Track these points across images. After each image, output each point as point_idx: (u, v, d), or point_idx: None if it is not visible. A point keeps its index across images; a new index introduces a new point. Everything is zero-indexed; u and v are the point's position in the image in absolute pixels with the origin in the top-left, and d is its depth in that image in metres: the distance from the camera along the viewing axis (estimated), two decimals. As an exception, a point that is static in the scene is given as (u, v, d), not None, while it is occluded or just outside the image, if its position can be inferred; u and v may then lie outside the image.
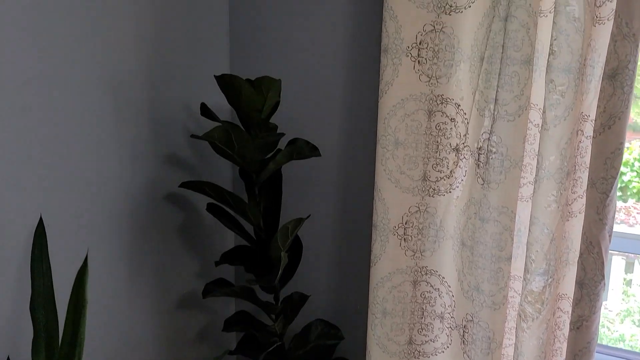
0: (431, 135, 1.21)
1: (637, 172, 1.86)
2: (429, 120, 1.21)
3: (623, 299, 2.04)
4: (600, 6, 1.05)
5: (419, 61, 1.18)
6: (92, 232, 1.18)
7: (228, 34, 1.45)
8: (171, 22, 1.31)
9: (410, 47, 1.18)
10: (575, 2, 0.98)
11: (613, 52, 0.96)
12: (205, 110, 1.26)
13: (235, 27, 1.44)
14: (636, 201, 1.97)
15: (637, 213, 2.02)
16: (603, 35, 1.06)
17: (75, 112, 1.12)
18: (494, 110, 1.10)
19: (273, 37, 1.40)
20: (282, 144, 1.27)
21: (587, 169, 1.10)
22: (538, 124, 1.14)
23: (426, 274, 1.26)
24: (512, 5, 1.03)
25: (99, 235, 1.19)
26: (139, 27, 1.23)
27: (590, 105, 1.09)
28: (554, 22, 1.01)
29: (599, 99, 1.01)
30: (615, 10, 0.96)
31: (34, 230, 0.97)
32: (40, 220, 0.97)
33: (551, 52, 1.02)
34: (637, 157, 1.85)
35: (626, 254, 1.94)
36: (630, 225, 1.99)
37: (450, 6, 1.15)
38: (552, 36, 1.01)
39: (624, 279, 2.03)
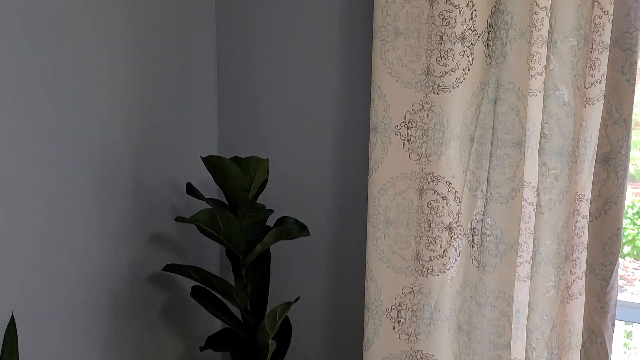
0: (422, 213, 1.18)
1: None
2: (420, 199, 1.18)
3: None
4: (589, 87, 1.04)
5: (408, 139, 1.17)
6: (68, 325, 1.11)
7: (216, 113, 1.44)
8: (159, 100, 1.29)
9: (399, 126, 1.16)
10: (564, 87, 0.97)
11: (605, 137, 0.95)
12: (191, 190, 1.23)
13: (224, 105, 1.43)
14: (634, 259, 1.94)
15: (635, 269, 1.98)
16: (594, 115, 1.05)
17: (56, 194, 1.08)
18: (487, 191, 1.07)
19: (262, 115, 1.38)
20: (272, 220, 1.23)
21: (585, 249, 1.07)
22: (532, 202, 1.11)
23: (422, 358, 1.20)
24: (501, 89, 1.02)
25: (76, 327, 1.13)
26: (127, 106, 1.21)
27: (585, 184, 1.07)
28: (544, 105, 1.00)
29: (593, 182, 0.98)
30: (605, 95, 0.95)
31: (5, 328, 0.92)
32: (12, 319, 0.92)
33: (543, 136, 1.00)
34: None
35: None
36: (629, 281, 1.94)
37: (439, 85, 1.14)
38: (542, 119, 1.00)
39: (625, 344, 1.97)
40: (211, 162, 1.16)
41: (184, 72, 1.36)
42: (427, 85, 1.15)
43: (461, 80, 1.13)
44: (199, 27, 1.39)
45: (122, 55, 1.20)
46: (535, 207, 1.07)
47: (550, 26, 0.98)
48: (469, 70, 1.12)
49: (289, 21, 1.33)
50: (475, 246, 1.10)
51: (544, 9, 1.07)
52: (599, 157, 0.96)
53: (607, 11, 1.02)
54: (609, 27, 1.02)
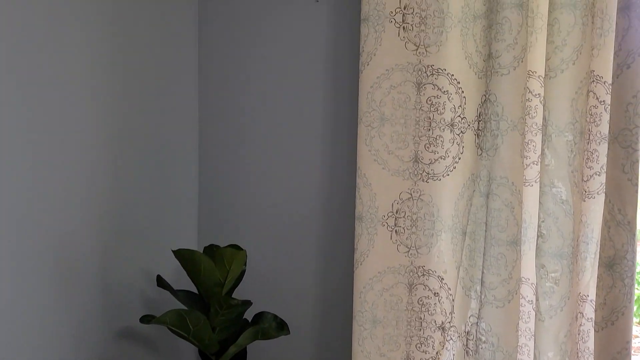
0: (413, 311, 1.09)
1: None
2: (410, 295, 1.09)
3: None
4: (588, 180, 0.97)
5: (396, 230, 1.09)
6: None
7: (197, 199, 1.36)
8: (134, 183, 1.22)
9: (386, 216, 1.08)
10: (561, 184, 0.90)
11: (608, 239, 0.87)
12: (161, 282, 1.14)
13: (205, 192, 1.35)
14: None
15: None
16: (594, 210, 0.98)
17: (12, 287, 0.98)
18: (481, 293, 0.98)
19: (243, 202, 1.31)
20: (251, 311, 1.13)
21: (592, 355, 0.97)
22: (532, 300, 1.02)
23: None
24: (493, 183, 0.95)
25: None
26: (97, 190, 1.13)
27: (589, 284, 0.98)
28: (540, 202, 0.92)
29: (597, 287, 0.90)
30: (606, 194, 0.88)
31: None
32: None
33: (540, 235, 0.92)
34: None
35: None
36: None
37: (428, 173, 1.07)
38: (539, 217, 0.92)
39: None
40: (182, 256, 1.07)
41: (163, 155, 1.29)
42: (415, 172, 1.08)
43: (451, 168, 1.06)
44: (181, 110, 1.33)
45: (93, 139, 1.13)
46: (534, 306, 0.98)
47: (544, 119, 0.92)
48: (460, 159, 1.05)
49: (270, 112, 1.28)
50: (470, 352, 1.00)
51: (537, 95, 1.02)
52: (602, 260, 0.88)
53: (604, 101, 0.97)
54: (606, 117, 0.96)
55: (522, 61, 0.92)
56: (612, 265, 0.87)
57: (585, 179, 0.96)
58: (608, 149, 0.87)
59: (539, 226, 0.92)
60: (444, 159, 1.07)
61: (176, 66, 1.32)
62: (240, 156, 1.30)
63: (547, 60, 0.91)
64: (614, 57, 0.86)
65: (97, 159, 1.13)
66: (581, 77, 0.89)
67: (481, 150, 0.99)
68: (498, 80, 0.94)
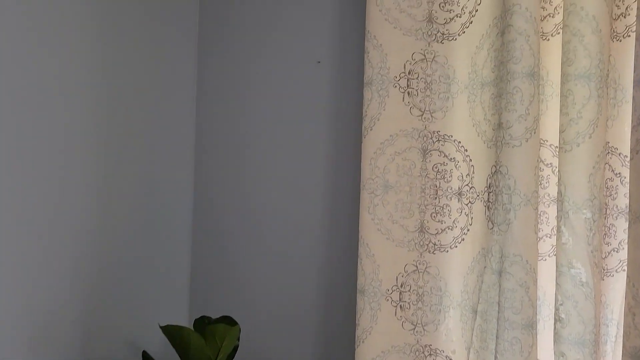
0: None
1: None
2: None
3: None
4: (606, 257, 0.91)
5: (401, 306, 1.02)
6: None
7: (189, 266, 1.29)
8: (120, 241, 1.15)
9: (390, 290, 1.03)
10: (580, 264, 0.84)
11: (633, 328, 0.80)
12: (147, 359, 1.06)
13: (198, 260, 1.29)
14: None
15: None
16: (614, 288, 0.92)
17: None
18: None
19: (238, 271, 1.24)
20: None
21: None
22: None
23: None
24: (506, 261, 0.89)
25: None
26: (76, 247, 1.07)
27: (609, 370, 0.91)
28: (557, 283, 0.86)
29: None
30: (628, 277, 0.81)
31: None
32: None
33: (558, 319, 0.85)
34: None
35: None
36: None
37: (434, 244, 1.01)
38: (556, 300, 0.86)
39: None
40: (170, 332, 1.00)
41: (154, 214, 1.23)
42: (421, 243, 1.02)
43: (460, 240, 1.00)
44: (175, 166, 1.28)
45: (76, 197, 1.07)
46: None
47: (560, 194, 0.87)
48: (468, 230, 1.00)
49: (269, 176, 1.23)
50: None
51: (549, 165, 0.97)
52: (627, 350, 0.81)
53: (619, 173, 0.92)
54: (622, 190, 0.92)
55: (534, 132, 0.88)
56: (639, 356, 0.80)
57: (603, 256, 0.90)
58: (629, 227, 0.81)
59: (556, 309, 0.86)
60: (451, 230, 1.01)
61: (171, 120, 1.28)
62: (237, 222, 1.24)
63: (561, 132, 0.87)
64: (631, 131, 0.82)
65: (80, 217, 1.07)
66: (598, 151, 0.84)
67: (492, 224, 0.93)
68: (509, 152, 0.89)
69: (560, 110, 0.87)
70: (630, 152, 0.82)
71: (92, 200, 1.10)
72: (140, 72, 1.20)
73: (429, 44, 1.04)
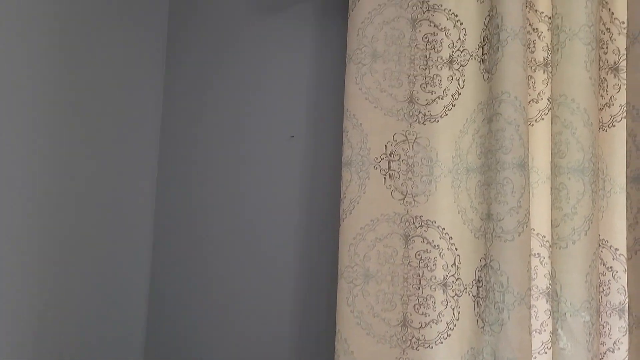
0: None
1: None
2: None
3: None
4: (602, 359, 0.86)
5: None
6: None
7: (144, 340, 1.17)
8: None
9: None
10: None
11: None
12: None
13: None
14: None
15: None
16: None
17: None
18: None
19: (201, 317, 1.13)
20: None
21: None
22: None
23: None
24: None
25: None
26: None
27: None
28: None
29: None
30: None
31: None
32: None
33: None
34: None
35: None
36: None
37: (418, 336, 0.93)
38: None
39: None
40: None
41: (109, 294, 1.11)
42: (403, 338, 0.94)
43: (445, 336, 0.93)
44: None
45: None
46: None
47: (556, 293, 0.82)
48: (455, 326, 0.93)
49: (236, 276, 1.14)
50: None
51: (537, 255, 0.92)
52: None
53: (611, 267, 0.88)
54: (614, 285, 0.88)
55: (526, 226, 0.83)
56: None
57: (599, 357, 0.85)
58: (630, 333, 0.76)
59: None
60: (436, 324, 0.94)
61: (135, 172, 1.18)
62: (197, 301, 1.14)
63: (554, 227, 0.83)
64: (628, 230, 0.78)
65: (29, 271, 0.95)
66: (593, 248, 0.80)
67: (483, 322, 0.86)
68: (501, 246, 0.84)
69: (553, 204, 0.83)
70: (628, 252, 0.78)
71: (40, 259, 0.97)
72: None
73: (410, 125, 1.00)
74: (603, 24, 0.91)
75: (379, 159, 0.99)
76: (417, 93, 1.00)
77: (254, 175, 1.16)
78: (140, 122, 1.21)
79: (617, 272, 0.87)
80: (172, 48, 1.28)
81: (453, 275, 0.94)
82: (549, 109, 0.94)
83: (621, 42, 0.91)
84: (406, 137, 0.99)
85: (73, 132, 1.06)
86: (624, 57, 0.90)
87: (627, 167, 0.79)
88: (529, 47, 0.92)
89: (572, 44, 0.81)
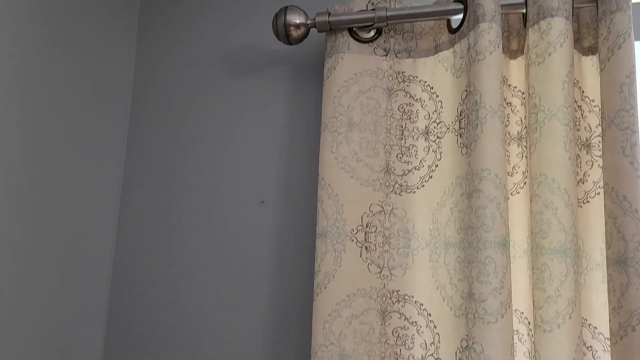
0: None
1: None
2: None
3: None
4: None
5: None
6: None
7: None
8: None
9: None
10: None
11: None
12: None
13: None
14: None
15: None
16: None
17: None
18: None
19: None
20: None
21: None
22: None
23: None
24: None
25: None
26: None
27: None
28: None
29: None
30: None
31: None
32: None
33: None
34: None
35: None
36: None
37: None
38: None
39: None
40: None
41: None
42: None
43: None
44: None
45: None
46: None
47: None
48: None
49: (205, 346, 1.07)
50: None
51: (516, 332, 0.90)
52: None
53: (591, 347, 0.87)
54: (594, 364, 0.86)
55: (509, 307, 0.81)
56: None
57: None
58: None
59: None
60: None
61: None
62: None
63: (538, 308, 0.81)
64: (612, 313, 0.77)
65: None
66: (578, 331, 0.79)
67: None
68: (484, 328, 0.81)
69: (535, 285, 0.82)
70: (613, 336, 0.77)
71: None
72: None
73: (387, 196, 0.98)
74: (575, 101, 0.93)
75: (355, 231, 0.95)
76: (393, 163, 0.99)
77: (221, 242, 1.10)
78: (99, 190, 1.14)
79: (596, 351, 0.86)
80: (136, 107, 1.22)
81: (432, 355, 0.90)
82: (524, 183, 0.94)
83: (592, 119, 0.92)
84: (382, 207, 0.97)
85: (29, 195, 0.98)
86: (595, 134, 0.92)
87: (607, 249, 0.79)
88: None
89: (551, 124, 0.82)
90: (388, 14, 0.98)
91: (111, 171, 1.18)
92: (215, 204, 1.12)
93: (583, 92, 0.93)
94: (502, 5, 0.91)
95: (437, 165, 0.96)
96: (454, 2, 0.96)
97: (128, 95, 1.23)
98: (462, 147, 0.90)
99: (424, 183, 0.97)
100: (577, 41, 0.93)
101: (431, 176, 0.96)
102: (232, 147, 1.14)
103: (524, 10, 0.92)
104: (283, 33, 1.02)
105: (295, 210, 1.07)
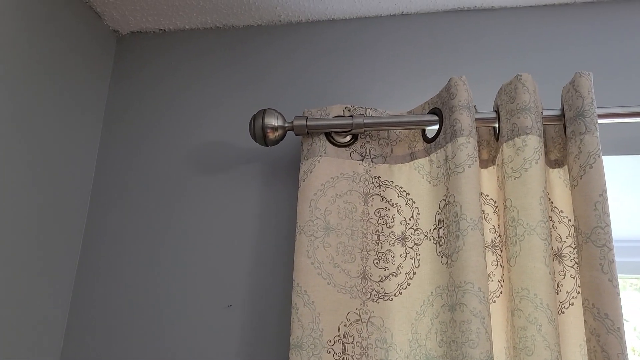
0: None
1: None
2: None
3: None
4: None
5: None
6: None
7: None
8: None
9: None
10: None
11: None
12: None
13: None
14: None
15: None
16: None
17: None
18: None
19: None
20: None
21: None
22: None
23: None
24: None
25: None
26: None
27: None
28: None
29: None
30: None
31: None
32: None
33: None
34: None
35: None
36: None
37: None
38: None
39: None
40: None
41: None
42: None
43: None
44: None
45: None
46: None
47: None
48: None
49: None
50: None
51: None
52: None
53: None
54: None
55: None
56: None
57: None
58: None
59: None
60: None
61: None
62: None
63: None
64: None
65: None
66: None
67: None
68: None
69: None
70: None
71: None
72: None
73: (364, 303, 0.95)
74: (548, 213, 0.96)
75: (332, 342, 0.91)
76: (370, 269, 0.97)
77: (185, 347, 1.02)
78: (52, 285, 1.05)
79: None
80: (95, 205, 1.16)
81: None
82: (500, 292, 0.94)
83: (562, 229, 0.95)
84: (360, 316, 0.94)
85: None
86: (566, 244, 0.94)
87: (587, 342, 0.79)
88: (481, 232, 0.94)
89: (530, 238, 0.83)
90: (365, 121, 0.99)
91: (64, 281, 1.09)
92: (180, 306, 1.05)
93: (552, 203, 0.96)
94: (476, 120, 0.95)
95: (415, 273, 0.94)
96: (428, 113, 1.00)
97: (87, 193, 1.16)
98: (442, 257, 0.90)
99: (401, 290, 0.95)
100: (545, 154, 0.98)
101: (409, 283, 0.95)
102: (200, 248, 1.09)
103: (497, 125, 0.96)
104: (260, 135, 1.01)
105: (266, 316, 1.02)
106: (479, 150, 1.00)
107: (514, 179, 0.88)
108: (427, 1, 1.14)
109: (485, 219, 0.98)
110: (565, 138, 0.92)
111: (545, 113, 0.94)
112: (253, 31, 1.23)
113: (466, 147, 0.89)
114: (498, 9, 1.15)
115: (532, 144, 0.88)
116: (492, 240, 0.97)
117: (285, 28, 1.21)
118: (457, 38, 1.14)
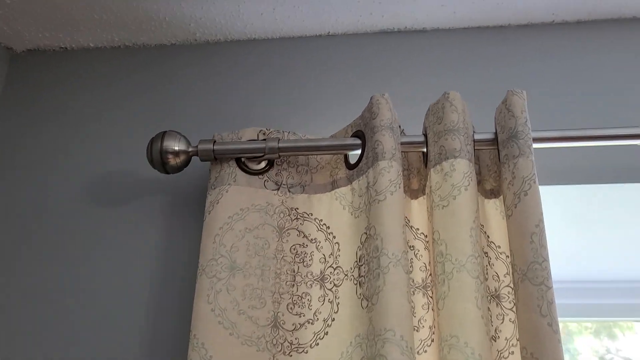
0: None
1: None
2: None
3: None
4: None
5: None
6: None
7: None
8: None
9: None
10: None
11: None
12: None
13: None
14: None
15: None
16: None
17: None
18: None
19: None
20: None
21: None
22: None
23: None
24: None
25: None
26: None
27: None
28: None
29: None
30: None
31: None
32: None
33: None
34: None
35: None
36: None
37: None
38: None
39: None
40: None
41: None
42: None
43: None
44: None
45: None
46: None
47: None
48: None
49: None
50: None
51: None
52: None
53: None
54: None
55: None
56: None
57: None
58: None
59: None
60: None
61: None
62: None
63: None
64: None
65: None
66: None
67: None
68: None
69: None
70: None
71: None
72: None
73: (273, 357, 0.80)
74: (481, 248, 0.85)
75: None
76: (283, 315, 0.83)
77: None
78: None
79: None
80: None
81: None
82: (432, 340, 0.82)
83: (499, 267, 0.84)
84: (268, 373, 0.79)
85: None
86: (504, 283, 0.84)
87: None
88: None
89: (460, 276, 0.72)
90: (280, 145, 0.88)
91: None
92: (69, 356, 0.88)
93: (488, 237, 0.86)
94: (401, 143, 0.85)
95: (334, 319, 0.81)
96: (351, 137, 0.89)
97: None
98: (362, 299, 0.77)
99: (318, 341, 0.81)
100: (479, 183, 0.88)
101: (327, 332, 0.81)
102: (89, 295, 0.93)
103: (425, 149, 0.86)
104: (159, 160, 0.88)
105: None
106: (409, 179, 0.90)
107: (442, 208, 0.77)
108: (354, 22, 1.06)
109: (415, 256, 0.86)
110: (500, 164, 0.82)
111: (477, 137, 0.85)
112: (167, 50, 1.11)
113: (388, 171, 0.78)
114: (430, 30, 1.08)
115: (461, 168, 0.78)
116: (422, 280, 0.85)
117: (202, 47, 1.11)
118: (386, 59, 1.06)
